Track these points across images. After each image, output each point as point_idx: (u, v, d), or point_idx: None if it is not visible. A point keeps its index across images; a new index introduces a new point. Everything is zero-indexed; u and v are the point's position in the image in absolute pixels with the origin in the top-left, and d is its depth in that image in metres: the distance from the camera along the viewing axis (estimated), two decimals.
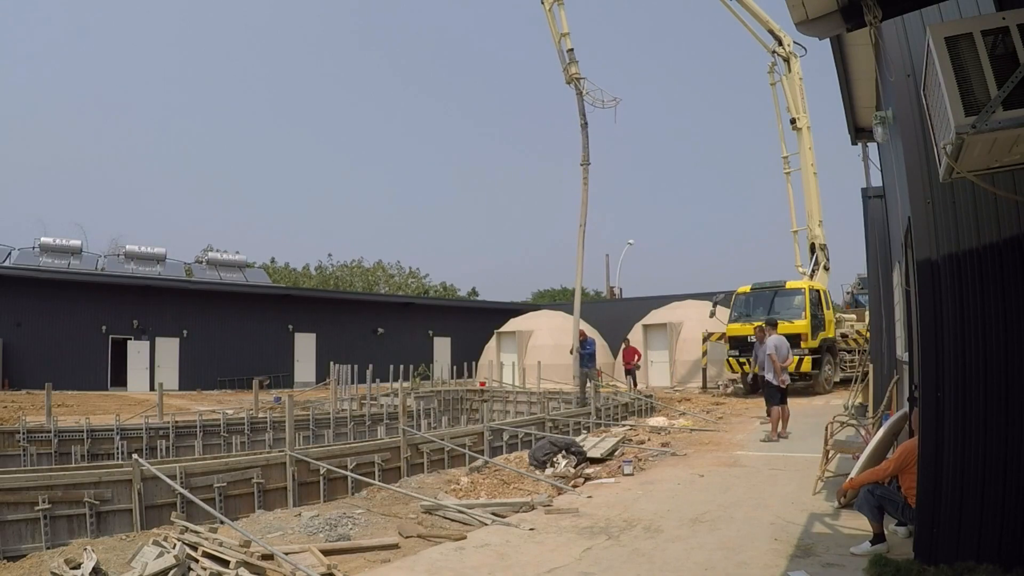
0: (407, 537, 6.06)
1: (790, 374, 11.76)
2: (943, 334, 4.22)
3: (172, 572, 4.67)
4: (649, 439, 11.64)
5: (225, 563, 4.74)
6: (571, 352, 18.81)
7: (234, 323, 28.16)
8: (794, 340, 18.34)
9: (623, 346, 22.77)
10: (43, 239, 29.96)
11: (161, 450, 13.05)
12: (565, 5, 20.11)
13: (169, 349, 26.52)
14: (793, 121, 21.72)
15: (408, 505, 7.46)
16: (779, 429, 10.90)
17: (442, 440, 10.68)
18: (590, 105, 20.24)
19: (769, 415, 11.33)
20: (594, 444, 10.26)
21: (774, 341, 11.17)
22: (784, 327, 18.73)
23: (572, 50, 19.76)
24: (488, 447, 11.58)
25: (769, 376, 11.01)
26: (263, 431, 14.69)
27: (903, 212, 5.82)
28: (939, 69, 3.06)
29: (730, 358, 19.97)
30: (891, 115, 6.01)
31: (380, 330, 32.67)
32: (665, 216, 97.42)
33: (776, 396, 10.98)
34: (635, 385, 20.65)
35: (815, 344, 18.86)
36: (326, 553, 5.40)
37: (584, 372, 17.48)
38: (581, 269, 20.42)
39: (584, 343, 17.97)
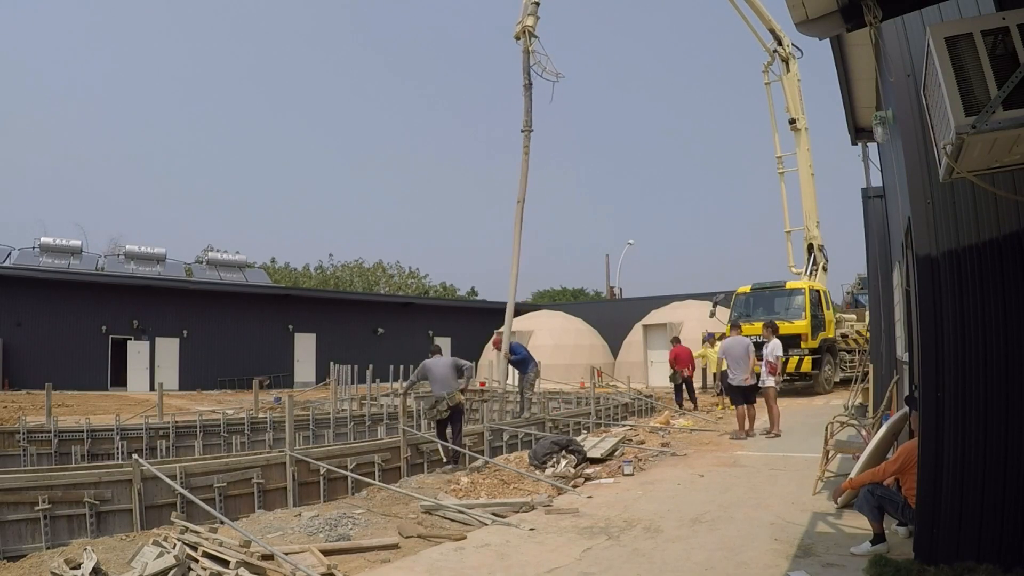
0: (407, 537, 6.05)
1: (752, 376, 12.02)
2: (943, 334, 4.21)
3: (172, 572, 4.66)
4: (649, 439, 11.65)
5: (225, 563, 4.73)
6: (505, 357, 16.15)
7: (234, 323, 28.17)
8: (794, 340, 18.40)
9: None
10: (43, 239, 30.01)
11: (161, 450, 13.04)
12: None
13: (169, 349, 26.54)
14: (793, 122, 21.67)
15: (408, 505, 7.44)
16: (746, 427, 11.25)
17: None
18: (535, 73, 17.71)
19: (770, 414, 11.49)
20: (594, 444, 10.25)
21: (729, 343, 11.58)
22: (784, 327, 18.81)
23: (539, 3, 17.83)
24: (488, 447, 11.58)
25: (734, 379, 11.31)
26: (263, 431, 14.67)
27: (903, 212, 5.82)
28: (939, 69, 3.06)
29: None
30: (891, 115, 6.00)
31: (380, 330, 32.67)
32: (665, 216, 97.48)
33: (738, 397, 11.30)
34: (682, 400, 16.66)
35: (815, 344, 18.89)
36: (326, 553, 5.39)
37: (523, 378, 15.87)
38: (518, 254, 17.10)
39: (513, 348, 16.21)
